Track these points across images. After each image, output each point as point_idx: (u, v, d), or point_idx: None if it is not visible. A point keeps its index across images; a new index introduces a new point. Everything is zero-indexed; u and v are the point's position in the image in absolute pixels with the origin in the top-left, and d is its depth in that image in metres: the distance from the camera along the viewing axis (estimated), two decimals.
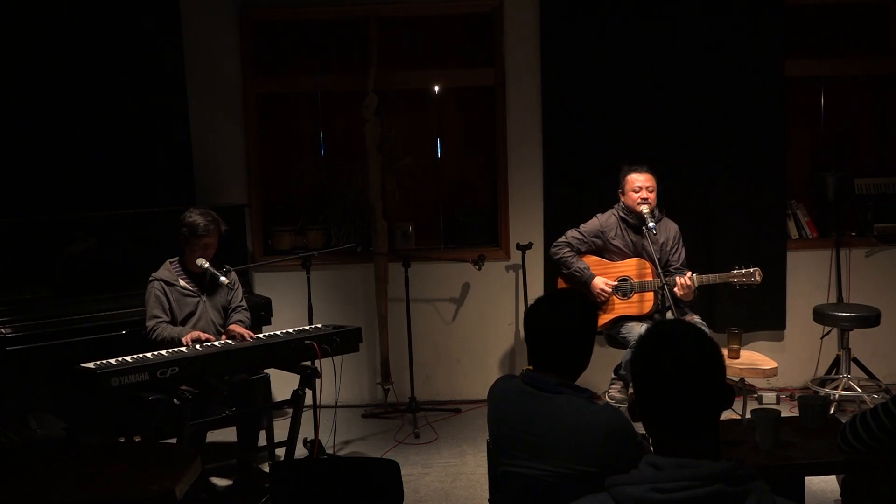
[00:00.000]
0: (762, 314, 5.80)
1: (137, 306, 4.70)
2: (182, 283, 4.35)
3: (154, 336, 4.20)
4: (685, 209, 5.52)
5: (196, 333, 4.15)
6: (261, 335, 4.43)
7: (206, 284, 4.42)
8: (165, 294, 4.29)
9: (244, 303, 4.63)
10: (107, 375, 3.64)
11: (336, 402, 5.03)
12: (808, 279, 5.89)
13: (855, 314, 5.25)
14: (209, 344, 4.12)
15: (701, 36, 5.63)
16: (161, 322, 4.23)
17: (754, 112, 5.69)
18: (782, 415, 3.19)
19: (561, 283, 5.15)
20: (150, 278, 4.33)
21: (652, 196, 4.91)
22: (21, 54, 5.30)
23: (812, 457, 2.98)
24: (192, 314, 4.35)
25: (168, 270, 4.37)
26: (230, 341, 4.24)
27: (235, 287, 4.58)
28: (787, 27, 5.74)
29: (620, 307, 4.94)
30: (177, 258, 4.42)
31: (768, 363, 4.62)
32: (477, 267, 5.59)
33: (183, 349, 4.03)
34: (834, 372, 5.53)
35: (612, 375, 5.09)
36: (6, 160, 5.27)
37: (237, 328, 4.38)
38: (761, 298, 5.64)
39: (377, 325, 5.74)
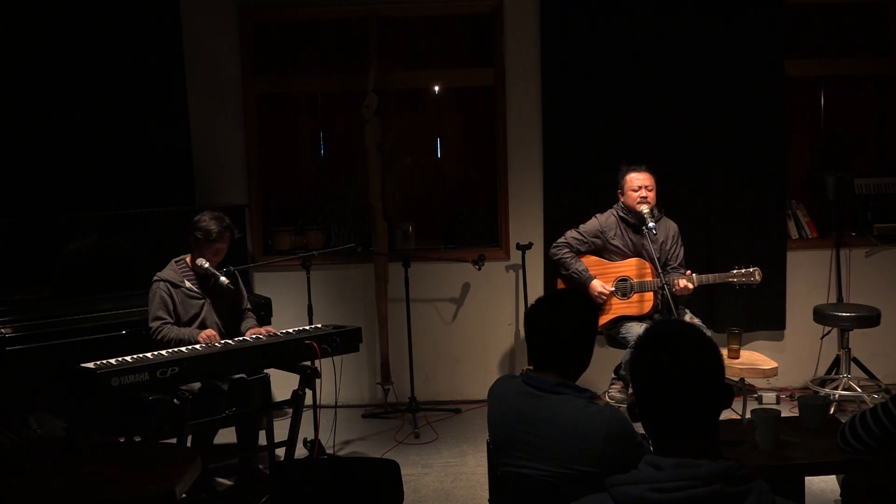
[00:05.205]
0: (762, 314, 5.80)
1: (137, 306, 4.70)
2: (188, 284, 4.35)
3: (159, 337, 4.20)
4: (685, 209, 5.52)
5: (211, 332, 4.16)
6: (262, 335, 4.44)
7: (211, 286, 4.41)
8: (171, 295, 4.29)
9: (249, 304, 4.65)
10: (107, 375, 3.63)
11: (336, 402, 5.03)
12: (808, 279, 5.89)
13: (855, 314, 5.25)
14: (209, 344, 4.13)
15: (701, 36, 5.63)
16: (165, 323, 4.23)
17: (754, 112, 5.69)
18: (782, 415, 3.19)
19: (560, 284, 5.15)
20: (155, 278, 4.32)
21: (651, 195, 4.91)
22: (21, 55, 5.29)
23: (812, 457, 2.98)
24: (196, 316, 4.35)
25: (174, 271, 4.36)
26: (230, 341, 4.24)
27: (240, 289, 4.59)
28: (787, 27, 5.74)
29: (620, 307, 4.94)
30: (183, 258, 4.42)
31: (768, 363, 4.62)
32: (477, 267, 5.59)
33: (183, 349, 4.03)
34: (834, 372, 5.53)
35: (613, 375, 5.09)
36: (6, 160, 5.27)
37: (257, 329, 4.43)
38: (761, 298, 5.64)
39: (377, 325, 5.74)
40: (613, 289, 4.94)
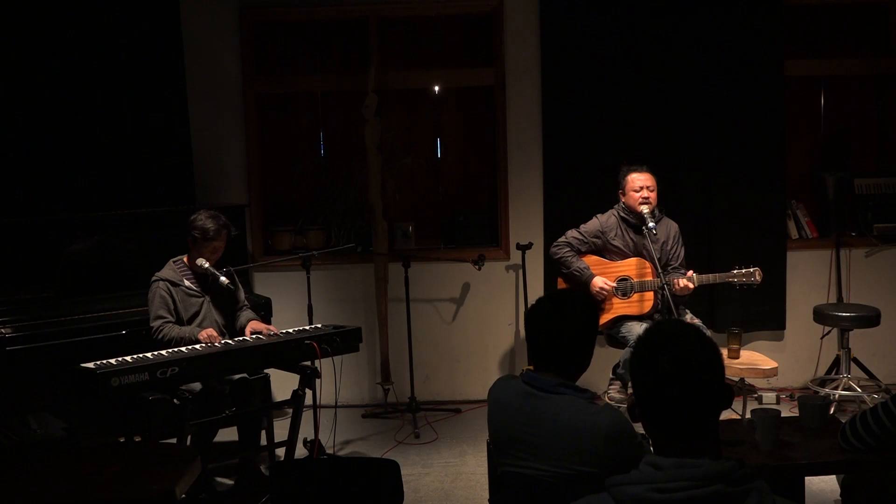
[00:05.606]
0: (762, 314, 5.80)
1: (138, 306, 4.70)
2: (187, 283, 4.36)
3: (160, 336, 4.20)
4: (685, 209, 5.52)
5: (211, 332, 4.17)
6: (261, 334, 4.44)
7: (209, 285, 4.42)
8: (170, 294, 4.29)
9: (247, 302, 4.66)
10: (107, 375, 3.64)
11: (336, 402, 5.03)
12: (808, 279, 5.89)
13: (855, 314, 5.24)
14: (209, 344, 4.13)
15: (701, 36, 5.64)
16: (167, 322, 4.24)
17: (754, 112, 5.69)
18: (782, 415, 3.19)
19: (561, 283, 5.15)
20: (154, 278, 4.33)
21: (653, 195, 4.91)
22: (21, 54, 5.29)
23: (812, 457, 2.98)
24: (196, 314, 4.36)
25: (172, 270, 4.37)
26: (230, 341, 4.24)
27: (238, 288, 4.60)
28: (787, 27, 5.74)
29: (620, 307, 4.94)
30: (181, 258, 4.43)
31: (768, 363, 4.63)
32: (477, 267, 5.59)
33: (183, 349, 4.03)
34: (834, 372, 5.53)
35: (611, 375, 5.08)
36: (6, 160, 5.27)
37: (259, 324, 4.43)
38: (761, 298, 5.64)
39: (377, 325, 5.74)
40: (615, 285, 4.94)
